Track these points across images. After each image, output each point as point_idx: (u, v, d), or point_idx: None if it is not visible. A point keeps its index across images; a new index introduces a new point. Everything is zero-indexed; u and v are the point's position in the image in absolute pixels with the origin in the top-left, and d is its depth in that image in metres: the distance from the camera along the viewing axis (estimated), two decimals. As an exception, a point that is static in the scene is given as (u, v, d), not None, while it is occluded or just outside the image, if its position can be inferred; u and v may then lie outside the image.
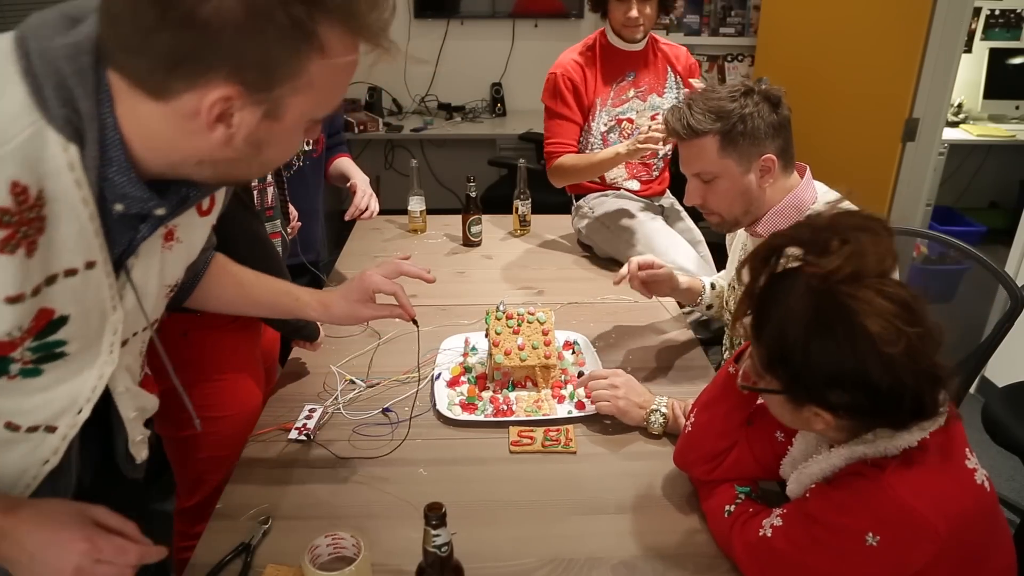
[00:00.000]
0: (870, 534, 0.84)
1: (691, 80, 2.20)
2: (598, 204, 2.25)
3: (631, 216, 2.18)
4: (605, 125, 2.21)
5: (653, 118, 2.18)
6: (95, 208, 0.73)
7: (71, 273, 0.75)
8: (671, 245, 2.12)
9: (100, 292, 0.80)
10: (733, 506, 1.08)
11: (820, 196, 1.41)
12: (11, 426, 0.82)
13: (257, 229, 1.43)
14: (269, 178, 1.49)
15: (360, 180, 2.12)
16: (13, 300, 0.71)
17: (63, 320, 0.77)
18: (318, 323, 1.53)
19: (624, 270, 1.61)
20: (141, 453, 1.03)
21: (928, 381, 0.85)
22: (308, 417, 1.38)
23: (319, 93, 0.73)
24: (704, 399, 1.18)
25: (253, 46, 0.65)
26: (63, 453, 0.89)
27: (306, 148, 1.93)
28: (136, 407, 0.99)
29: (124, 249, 0.81)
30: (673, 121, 1.37)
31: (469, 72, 4.24)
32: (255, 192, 1.46)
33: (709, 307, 1.73)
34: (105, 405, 0.92)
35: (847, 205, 0.93)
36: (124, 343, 0.89)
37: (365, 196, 2.09)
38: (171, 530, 1.54)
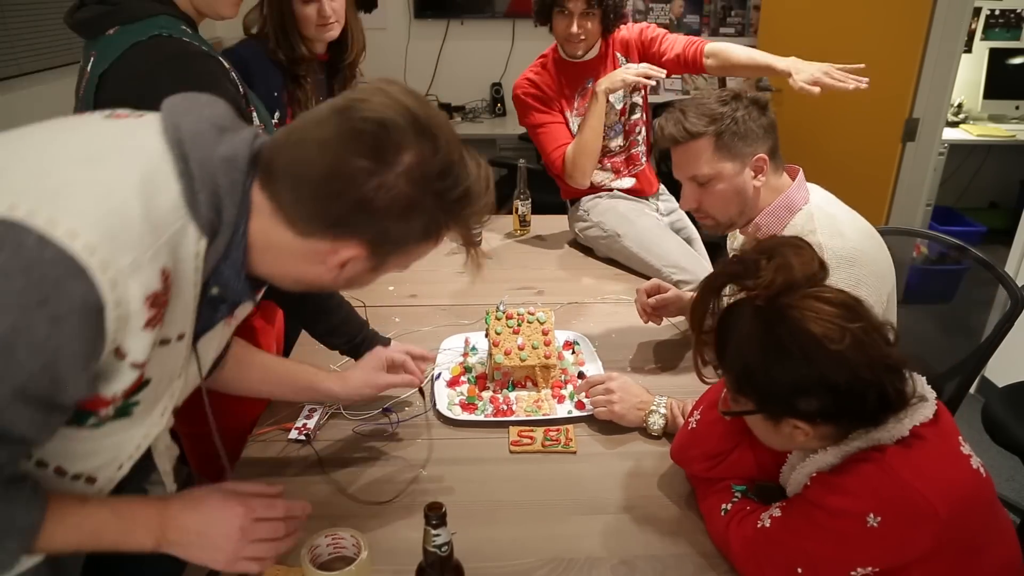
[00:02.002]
0: (871, 515, 0.85)
1: (648, 70, 2.07)
2: (592, 206, 2.25)
3: (623, 215, 2.18)
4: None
5: (623, 112, 2.21)
6: (198, 290, 0.80)
7: (165, 343, 0.80)
8: (663, 241, 2.12)
9: (176, 361, 0.85)
10: (730, 504, 1.08)
11: (813, 197, 1.42)
12: (59, 471, 0.85)
13: None
14: None
15: None
16: (136, 366, 0.76)
17: (147, 383, 0.82)
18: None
19: (637, 307, 1.67)
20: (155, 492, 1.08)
21: (885, 372, 0.88)
22: (308, 417, 1.38)
23: (405, 260, 0.87)
24: (713, 397, 1.17)
25: (396, 230, 0.80)
26: None
27: None
28: (171, 459, 1.03)
29: (204, 325, 0.87)
30: (669, 126, 1.40)
31: (469, 72, 4.25)
32: None
33: None
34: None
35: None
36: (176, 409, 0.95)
37: None
38: None
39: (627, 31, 2.22)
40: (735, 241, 1.65)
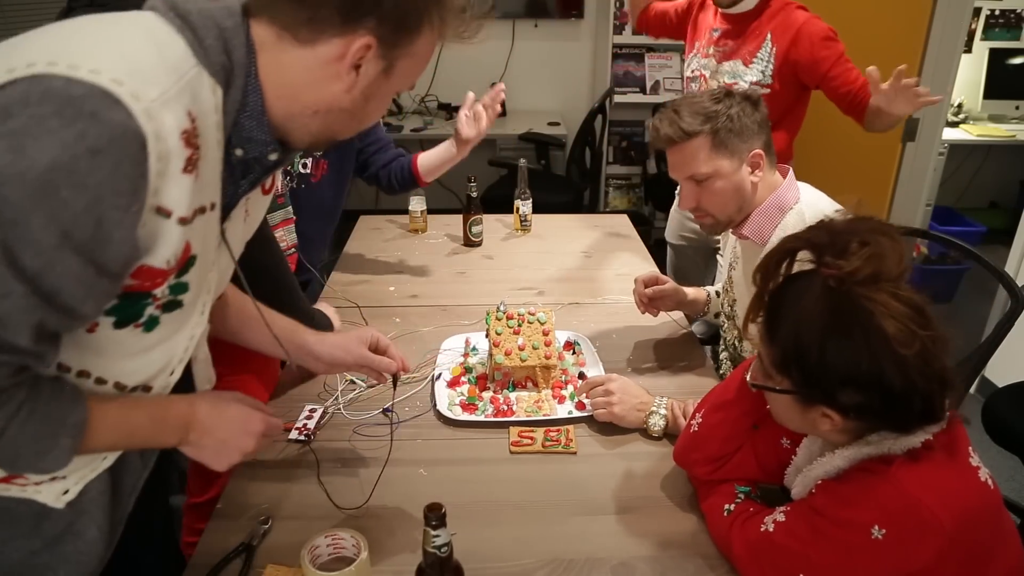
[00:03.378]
0: (876, 527, 0.85)
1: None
2: None
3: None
4: (691, 71, 2.15)
5: (730, 87, 2.05)
6: (222, 152, 0.80)
7: (202, 211, 0.80)
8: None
9: (211, 239, 0.85)
10: (733, 505, 1.08)
11: (803, 196, 1.42)
12: (119, 386, 0.87)
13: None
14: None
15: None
16: (183, 222, 0.76)
17: (193, 260, 0.82)
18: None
19: (635, 296, 1.66)
20: None
21: (938, 384, 0.86)
22: (308, 417, 1.38)
23: (412, 66, 0.86)
24: (715, 400, 1.17)
25: (396, 5, 0.79)
26: None
27: (302, 171, 1.87)
28: (207, 378, 1.05)
29: (229, 201, 0.87)
30: (664, 127, 1.39)
31: (469, 72, 4.23)
32: None
33: (717, 315, 1.73)
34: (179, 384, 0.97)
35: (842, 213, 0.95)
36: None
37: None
38: (179, 523, 1.55)
39: (809, 25, 2.02)
40: (727, 247, 1.65)
